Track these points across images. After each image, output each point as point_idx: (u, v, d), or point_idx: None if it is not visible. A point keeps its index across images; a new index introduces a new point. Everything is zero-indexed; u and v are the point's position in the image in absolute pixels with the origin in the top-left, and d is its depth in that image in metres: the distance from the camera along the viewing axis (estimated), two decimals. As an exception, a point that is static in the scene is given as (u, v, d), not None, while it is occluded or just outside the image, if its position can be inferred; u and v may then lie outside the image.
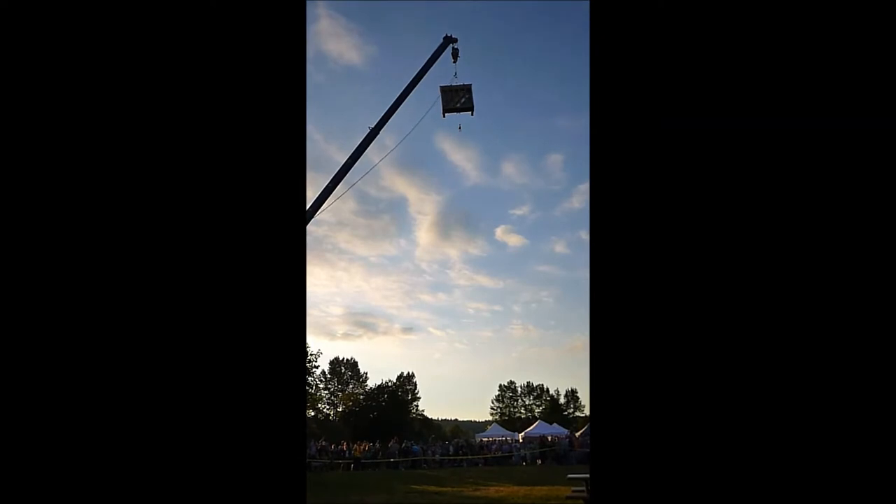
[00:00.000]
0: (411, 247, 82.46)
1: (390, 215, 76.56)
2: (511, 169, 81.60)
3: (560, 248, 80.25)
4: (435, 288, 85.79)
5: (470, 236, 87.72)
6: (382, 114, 9.48)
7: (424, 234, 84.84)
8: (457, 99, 8.28)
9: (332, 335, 65.70)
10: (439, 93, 8.43)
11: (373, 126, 9.12)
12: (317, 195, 9.16)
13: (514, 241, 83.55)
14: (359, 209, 79.77)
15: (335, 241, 72.62)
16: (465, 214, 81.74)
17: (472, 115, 8.17)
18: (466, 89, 8.24)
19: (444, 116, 8.20)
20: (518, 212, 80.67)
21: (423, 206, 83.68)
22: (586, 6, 1.26)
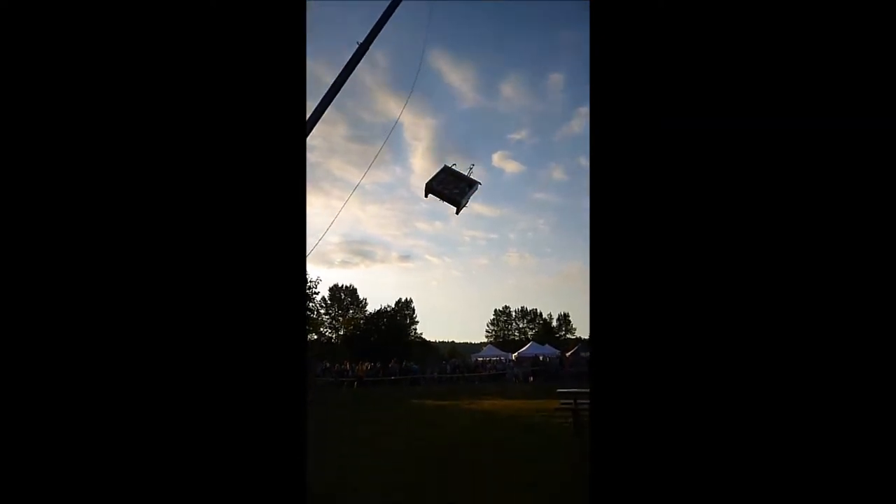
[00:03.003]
0: (406, 174, 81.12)
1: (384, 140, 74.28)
2: (509, 90, 78.10)
3: (558, 174, 79.31)
4: (431, 216, 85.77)
5: (466, 163, 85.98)
6: (371, 27, 8.86)
7: (419, 160, 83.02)
8: (452, 185, 6.30)
9: (329, 263, 66.69)
10: (445, 168, 6.46)
11: (361, 41, 8.53)
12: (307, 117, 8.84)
13: (512, 167, 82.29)
14: (351, 134, 77.21)
15: (328, 167, 71.18)
16: (461, 139, 79.57)
17: (457, 213, 6.14)
18: (469, 183, 6.30)
19: (425, 196, 6.10)
20: (516, 136, 78.56)
21: (418, 130, 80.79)
22: (586, 6, 1.22)
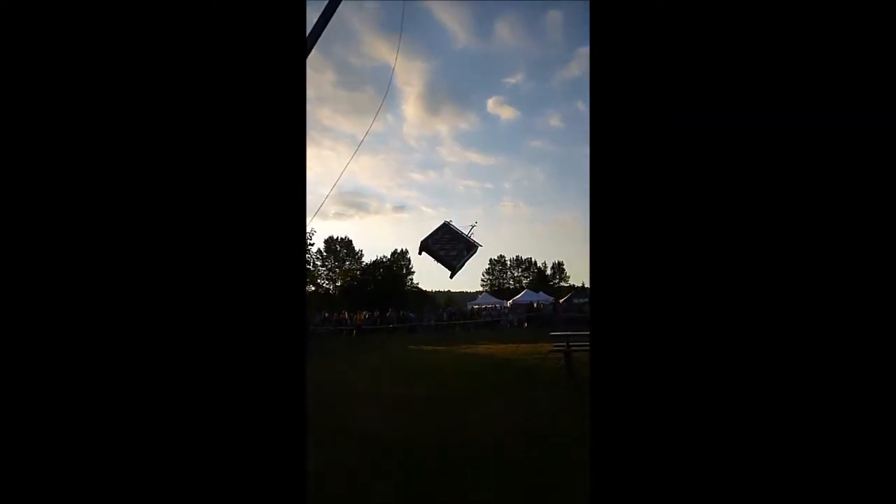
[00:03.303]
0: (398, 122, 78.88)
1: (374, 87, 71.57)
2: (505, 31, 74.45)
3: (555, 121, 77.38)
4: (425, 166, 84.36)
5: (460, 110, 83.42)
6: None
7: (412, 107, 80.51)
8: (449, 246, 5.63)
9: (323, 216, 66.50)
10: (444, 225, 5.95)
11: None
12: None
13: (507, 114, 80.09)
14: (339, 80, 74.17)
15: (317, 117, 68.90)
16: (454, 85, 76.84)
17: (451, 277, 5.54)
18: (468, 247, 5.71)
19: (419, 253, 5.61)
20: (512, 80, 75.83)
21: (410, 76, 77.59)
22: (586, 6, 1.21)
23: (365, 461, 4.03)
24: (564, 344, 9.32)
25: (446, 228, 5.89)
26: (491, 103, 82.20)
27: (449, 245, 5.73)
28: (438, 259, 5.69)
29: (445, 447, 4.37)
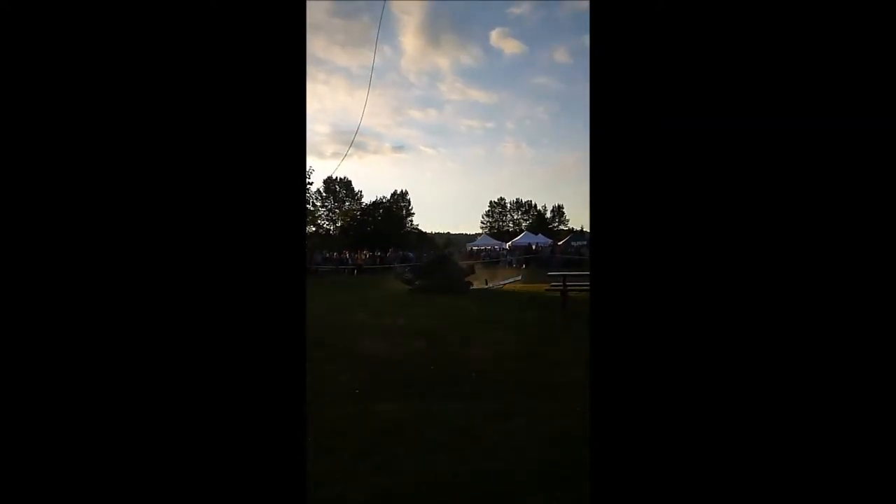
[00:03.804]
0: (396, 55, 74.77)
1: (370, 16, 67.19)
2: (511, -48, 68.83)
3: (561, 56, 73.46)
4: (425, 103, 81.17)
5: (462, 42, 78.88)
6: None
7: (411, 39, 76.11)
8: None
9: (321, 155, 64.85)
10: None
11: None
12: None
13: (511, 47, 75.90)
14: (333, 7, 69.58)
15: (311, 48, 64.54)
16: (456, 14, 72.31)
17: None
18: None
19: None
20: (517, 10, 71.29)
21: (408, 3, 72.79)
22: (586, 6, 1.22)
23: (369, 379, 4.28)
24: (561, 283, 9.55)
25: None
26: (494, 35, 77.59)
27: None
28: None
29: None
